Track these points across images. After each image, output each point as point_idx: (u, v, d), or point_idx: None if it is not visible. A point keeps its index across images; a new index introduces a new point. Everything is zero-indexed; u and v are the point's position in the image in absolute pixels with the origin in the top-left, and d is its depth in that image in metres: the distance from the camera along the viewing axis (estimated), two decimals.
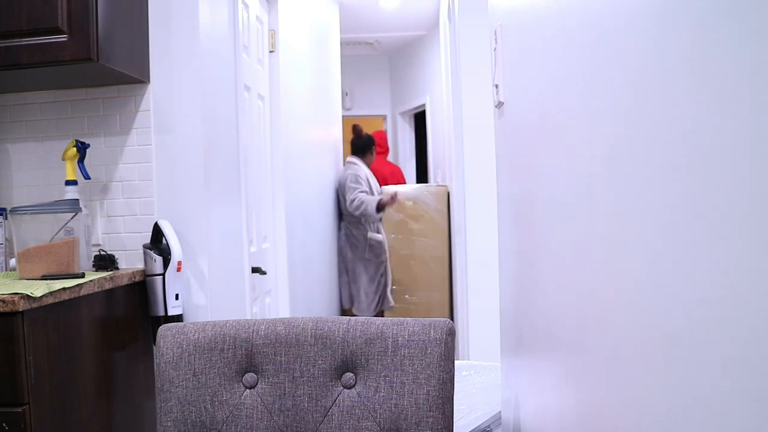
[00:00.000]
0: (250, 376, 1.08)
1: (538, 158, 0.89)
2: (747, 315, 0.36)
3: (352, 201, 4.26)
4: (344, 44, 5.60)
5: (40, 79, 1.84)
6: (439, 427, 1.02)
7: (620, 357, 0.57)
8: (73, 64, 1.66)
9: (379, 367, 1.04)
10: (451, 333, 1.04)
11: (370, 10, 5.12)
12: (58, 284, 1.50)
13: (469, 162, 2.90)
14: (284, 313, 2.98)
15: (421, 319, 1.06)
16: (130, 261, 1.96)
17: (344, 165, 4.56)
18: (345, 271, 4.48)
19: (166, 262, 1.85)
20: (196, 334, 1.09)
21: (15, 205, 1.90)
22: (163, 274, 1.85)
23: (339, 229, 4.50)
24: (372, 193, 4.36)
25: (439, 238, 4.35)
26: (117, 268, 1.86)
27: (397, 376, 1.03)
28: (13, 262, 1.83)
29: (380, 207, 4.33)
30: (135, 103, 1.95)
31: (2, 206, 1.95)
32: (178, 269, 1.86)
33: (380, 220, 4.50)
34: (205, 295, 1.99)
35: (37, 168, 2.00)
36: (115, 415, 1.73)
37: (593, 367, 0.65)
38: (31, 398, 1.38)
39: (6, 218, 1.87)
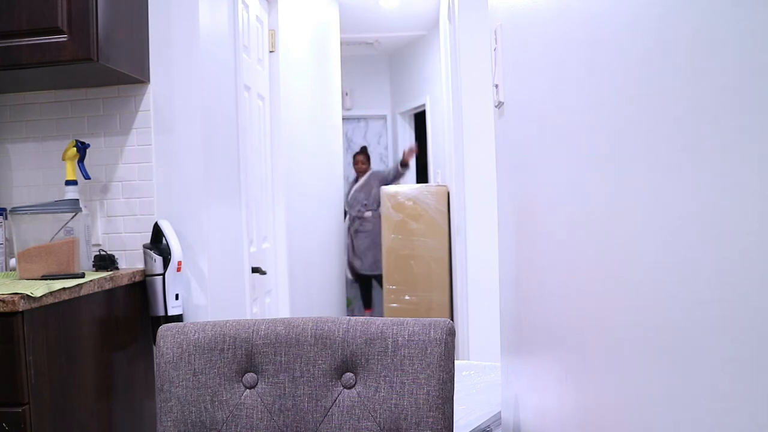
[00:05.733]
0: (250, 376, 1.08)
1: (538, 158, 0.89)
2: (747, 315, 0.36)
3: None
4: (344, 44, 5.60)
5: (40, 79, 1.85)
6: (439, 427, 1.02)
7: (620, 357, 0.57)
8: (73, 64, 1.66)
9: (379, 367, 1.04)
10: (451, 333, 1.04)
11: (370, 10, 5.12)
12: (58, 284, 1.50)
13: (469, 162, 2.91)
14: (284, 313, 2.98)
15: (421, 319, 1.06)
16: (130, 261, 1.96)
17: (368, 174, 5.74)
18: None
19: (166, 262, 1.85)
20: (196, 334, 1.09)
21: (15, 205, 1.90)
22: (163, 274, 1.85)
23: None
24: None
25: (439, 238, 4.36)
26: (117, 268, 1.86)
27: (397, 376, 1.03)
28: (13, 262, 1.83)
29: (403, 164, 5.61)
30: (135, 103, 1.95)
31: (2, 206, 1.95)
32: (178, 269, 1.86)
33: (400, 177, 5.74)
34: (205, 295, 1.99)
35: (37, 168, 2.00)
36: (115, 415, 1.73)
37: (593, 366, 0.65)
38: (31, 398, 1.38)
39: (6, 218, 1.87)
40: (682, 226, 0.44)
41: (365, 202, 5.60)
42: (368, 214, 5.55)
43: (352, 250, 5.69)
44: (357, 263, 5.66)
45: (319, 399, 1.06)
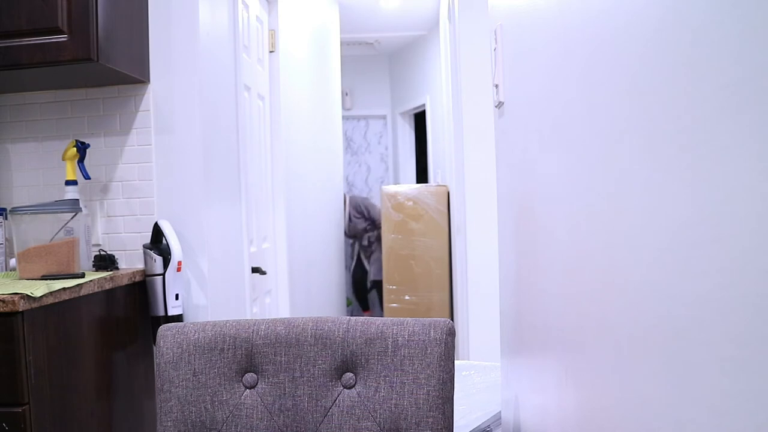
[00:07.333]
0: (250, 376, 1.08)
1: (537, 158, 0.89)
2: (747, 315, 0.36)
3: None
4: (344, 44, 5.60)
5: (40, 79, 1.84)
6: (439, 427, 1.02)
7: (620, 356, 0.57)
8: (73, 64, 1.66)
9: (379, 367, 1.04)
10: (451, 333, 1.04)
11: (370, 10, 5.12)
12: (58, 284, 1.50)
13: (469, 162, 2.91)
14: (284, 313, 2.98)
15: (421, 319, 1.06)
16: (130, 261, 1.96)
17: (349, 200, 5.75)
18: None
19: (166, 262, 1.85)
20: (196, 334, 1.09)
21: (15, 205, 1.90)
22: (163, 274, 1.85)
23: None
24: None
25: (439, 238, 4.36)
26: (117, 268, 1.86)
27: (397, 376, 1.03)
28: (13, 262, 1.83)
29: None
30: (135, 103, 1.95)
31: (2, 206, 1.96)
32: (178, 269, 1.86)
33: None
34: (205, 295, 1.99)
35: (37, 168, 2.00)
36: (115, 415, 1.73)
37: (593, 366, 0.65)
38: (31, 398, 1.38)
39: (6, 218, 1.87)
40: (682, 226, 0.44)
41: (366, 227, 5.71)
42: (375, 233, 5.66)
43: (368, 262, 5.80)
44: (374, 270, 5.74)
45: (319, 399, 1.06)
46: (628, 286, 0.54)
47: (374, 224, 5.66)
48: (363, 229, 5.70)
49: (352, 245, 5.90)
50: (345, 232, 5.66)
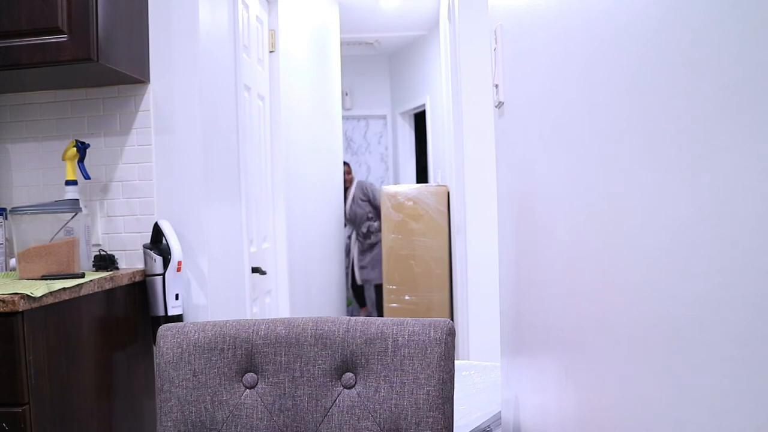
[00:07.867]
0: (250, 376, 1.08)
1: (537, 158, 0.89)
2: (747, 315, 0.36)
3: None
4: (344, 44, 5.60)
5: (40, 79, 1.84)
6: (439, 427, 1.02)
7: (620, 356, 0.57)
8: (73, 64, 1.66)
9: (379, 367, 1.04)
10: (451, 333, 1.04)
11: (370, 10, 5.12)
12: (58, 284, 1.50)
13: (469, 162, 2.91)
14: (284, 313, 2.98)
15: (421, 319, 1.06)
16: (130, 261, 1.96)
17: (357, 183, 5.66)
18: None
19: (166, 262, 1.85)
20: (196, 334, 1.09)
21: (15, 205, 1.90)
22: (163, 274, 1.85)
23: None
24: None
25: (439, 238, 4.36)
26: (117, 268, 1.86)
27: (397, 376, 1.03)
28: (13, 262, 1.83)
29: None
30: (135, 103, 1.95)
31: (2, 206, 1.95)
32: (178, 269, 1.86)
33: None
34: (205, 295, 1.99)
35: (37, 168, 2.00)
36: (115, 415, 1.73)
37: (593, 366, 0.65)
38: (31, 398, 1.38)
39: (6, 218, 1.87)
40: (682, 226, 0.44)
41: (370, 214, 5.57)
42: (377, 224, 5.51)
43: (361, 259, 5.67)
44: (373, 274, 5.62)
45: (319, 399, 1.06)
46: (628, 286, 0.54)
47: (377, 213, 5.50)
48: (364, 215, 5.55)
49: (348, 237, 5.76)
50: (345, 215, 5.47)
